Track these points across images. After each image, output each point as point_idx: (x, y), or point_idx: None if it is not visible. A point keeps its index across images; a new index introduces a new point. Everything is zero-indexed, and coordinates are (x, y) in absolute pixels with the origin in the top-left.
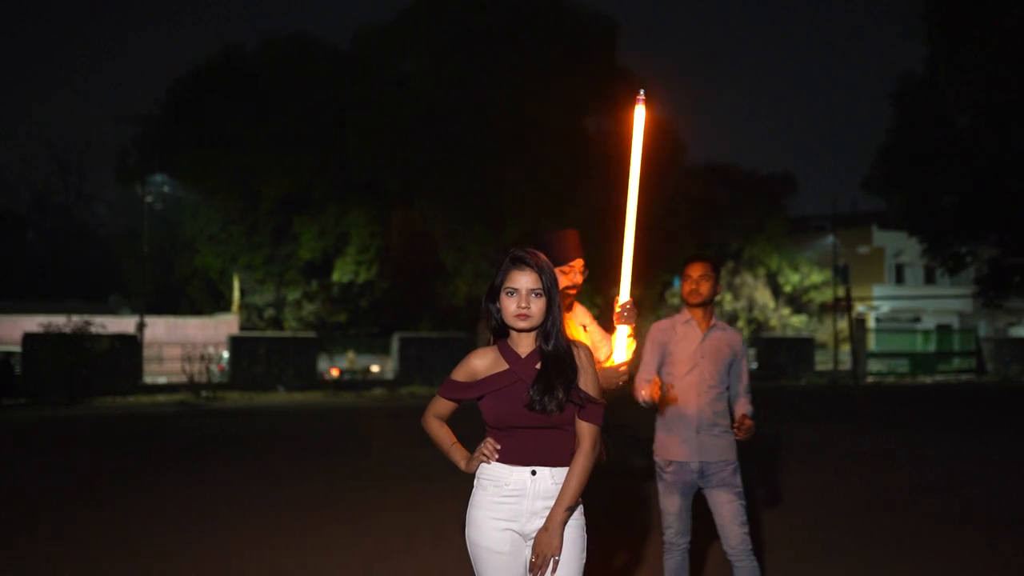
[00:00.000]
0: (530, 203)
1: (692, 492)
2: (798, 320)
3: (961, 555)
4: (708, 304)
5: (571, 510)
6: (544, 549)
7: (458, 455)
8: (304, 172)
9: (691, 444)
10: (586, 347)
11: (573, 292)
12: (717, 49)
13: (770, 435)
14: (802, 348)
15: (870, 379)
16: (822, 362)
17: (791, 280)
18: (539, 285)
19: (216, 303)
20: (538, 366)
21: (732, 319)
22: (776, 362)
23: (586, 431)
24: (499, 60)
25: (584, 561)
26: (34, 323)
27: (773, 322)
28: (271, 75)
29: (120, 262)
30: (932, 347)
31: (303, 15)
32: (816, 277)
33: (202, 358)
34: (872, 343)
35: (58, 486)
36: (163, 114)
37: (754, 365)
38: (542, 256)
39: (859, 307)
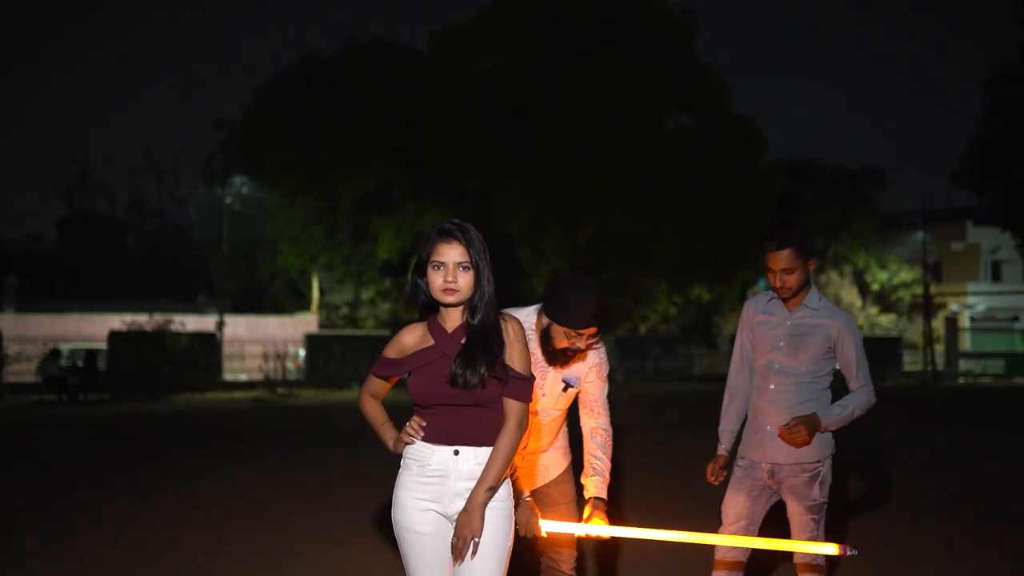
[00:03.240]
0: (607, 203)
1: (765, 501)
2: (886, 319)
3: (992, 559)
4: (800, 292)
5: (493, 490)
6: (464, 531)
7: (388, 434)
8: (382, 172)
9: (762, 440)
10: (516, 321)
11: (572, 355)
12: (802, 42)
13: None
14: (889, 348)
15: (962, 380)
16: (913, 362)
17: (879, 278)
18: (467, 258)
19: (297, 302)
20: (464, 341)
21: None
22: None
23: (512, 408)
24: (576, 58)
25: (510, 544)
26: (121, 321)
27: (860, 321)
28: (350, 78)
29: (207, 263)
30: None
31: (382, 18)
32: (905, 275)
33: (278, 356)
34: (966, 343)
35: (80, 476)
36: (247, 118)
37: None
38: (471, 228)
39: (953, 305)
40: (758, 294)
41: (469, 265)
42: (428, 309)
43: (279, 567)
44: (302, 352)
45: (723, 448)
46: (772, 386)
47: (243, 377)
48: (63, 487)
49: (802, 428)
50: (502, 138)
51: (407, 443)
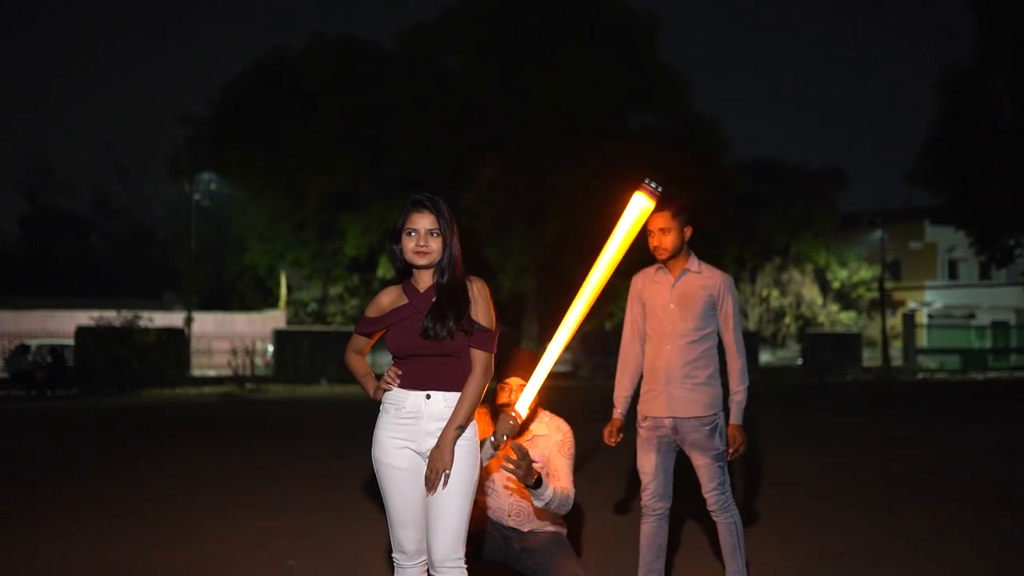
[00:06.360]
0: (571, 200)
1: (672, 452)
2: (846, 316)
3: (941, 528)
4: (678, 254)
5: (461, 429)
6: (436, 464)
7: (369, 384)
8: (350, 170)
9: (662, 398)
10: (481, 281)
11: (510, 411)
12: (764, 43)
13: (791, 422)
14: (849, 344)
15: (920, 375)
16: (871, 358)
17: (839, 276)
18: (436, 226)
19: (265, 299)
20: (434, 299)
21: (779, 315)
22: (821, 358)
23: (477, 357)
24: (541, 57)
25: (476, 477)
26: (87, 317)
27: (821, 319)
28: (317, 75)
29: (174, 260)
30: (987, 343)
31: (349, 16)
32: (865, 273)
33: (247, 351)
34: (924, 339)
35: (58, 463)
36: (214, 115)
37: (799, 361)
38: (440, 200)
39: (911, 303)
40: (644, 269)
41: (438, 232)
42: (403, 273)
43: (263, 540)
44: (270, 348)
45: (619, 412)
46: (668, 347)
47: (211, 373)
48: (39, 473)
49: (739, 441)
50: (468, 136)
51: (385, 390)
